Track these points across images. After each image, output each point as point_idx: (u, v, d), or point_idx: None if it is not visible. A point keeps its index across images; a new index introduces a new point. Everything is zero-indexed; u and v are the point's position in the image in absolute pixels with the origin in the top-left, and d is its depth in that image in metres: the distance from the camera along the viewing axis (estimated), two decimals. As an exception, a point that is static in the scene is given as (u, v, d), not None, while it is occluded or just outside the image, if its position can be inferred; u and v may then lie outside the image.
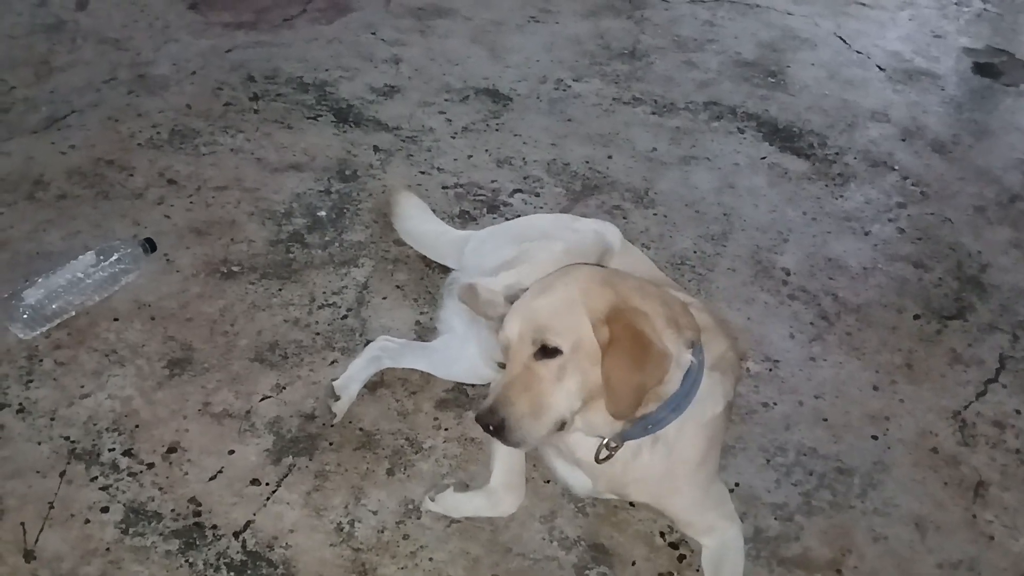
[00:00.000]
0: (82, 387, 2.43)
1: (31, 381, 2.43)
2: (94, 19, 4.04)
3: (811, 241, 3.28)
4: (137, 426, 2.35)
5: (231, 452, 2.32)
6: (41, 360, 2.49)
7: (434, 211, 3.00)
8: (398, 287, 2.84)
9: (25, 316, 2.52)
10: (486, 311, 2.21)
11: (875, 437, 2.58)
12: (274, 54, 3.93)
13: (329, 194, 3.19)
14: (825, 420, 2.60)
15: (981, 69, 4.57)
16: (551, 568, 2.16)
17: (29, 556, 2.05)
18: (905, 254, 3.28)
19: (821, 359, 2.80)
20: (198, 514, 2.17)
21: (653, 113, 3.90)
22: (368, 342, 2.58)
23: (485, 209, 3.20)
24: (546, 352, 1.84)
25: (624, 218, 3.24)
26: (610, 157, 3.58)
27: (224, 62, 3.84)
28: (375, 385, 2.51)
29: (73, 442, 2.30)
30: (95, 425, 2.34)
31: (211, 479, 2.25)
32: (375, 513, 2.22)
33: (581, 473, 2.11)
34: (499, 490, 2.22)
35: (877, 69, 4.45)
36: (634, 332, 1.82)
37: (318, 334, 2.66)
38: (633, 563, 2.19)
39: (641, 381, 1.83)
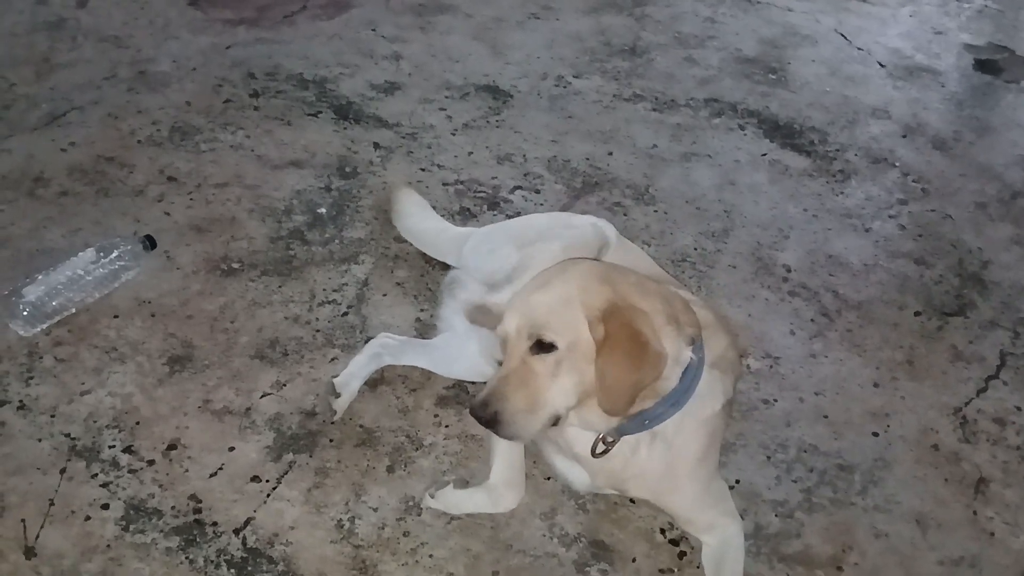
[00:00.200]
0: (83, 384, 2.43)
1: (31, 378, 2.43)
2: (94, 17, 4.04)
3: (812, 238, 3.27)
4: (138, 423, 2.36)
5: (231, 449, 2.32)
6: (41, 357, 2.49)
7: (434, 208, 3.00)
8: (398, 284, 2.84)
9: (25, 313, 2.52)
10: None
11: (876, 434, 2.58)
12: (274, 51, 3.93)
13: (329, 191, 3.19)
14: (826, 417, 2.60)
15: (982, 66, 4.56)
16: (551, 565, 2.16)
17: (30, 553, 2.05)
18: (906, 251, 3.27)
19: (822, 356, 2.80)
20: (198, 511, 2.17)
21: (654, 110, 3.89)
22: (369, 339, 2.57)
23: (485, 206, 3.20)
24: (542, 347, 1.84)
25: (625, 215, 3.24)
26: (611, 154, 3.57)
27: (224, 59, 3.83)
28: (375, 382, 2.51)
29: (74, 439, 2.30)
30: (95, 422, 2.34)
31: (211, 476, 2.25)
32: (375, 510, 2.22)
33: (580, 469, 2.11)
34: (499, 487, 2.22)
35: (878, 66, 4.44)
36: (630, 331, 1.82)
37: (318, 331, 2.66)
38: (633, 560, 2.19)
39: (635, 380, 1.83)
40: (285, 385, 2.49)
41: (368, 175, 3.28)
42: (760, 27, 4.66)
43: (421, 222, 2.92)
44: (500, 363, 1.95)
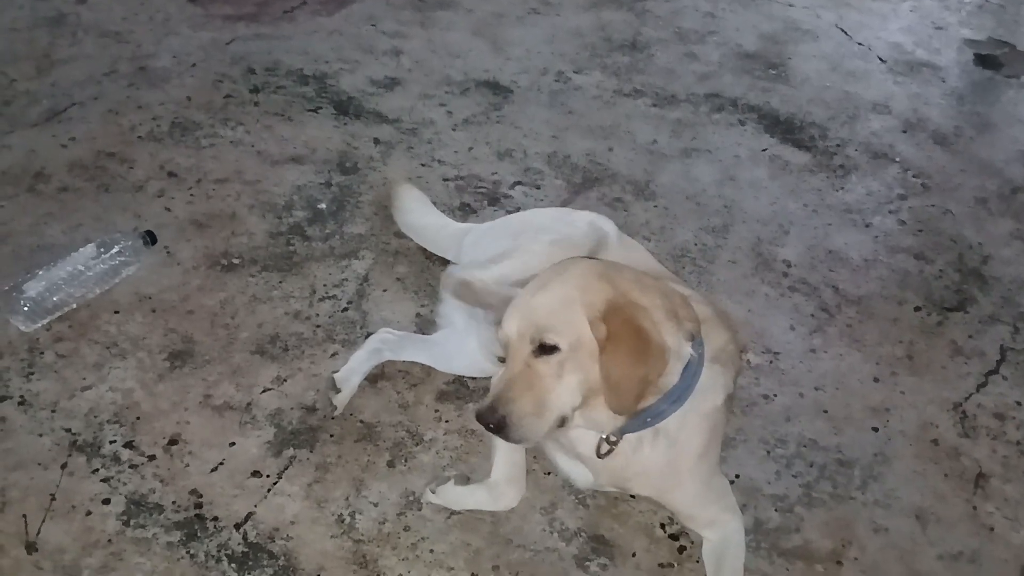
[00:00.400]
0: (83, 379, 2.44)
1: (32, 373, 2.44)
2: (95, 12, 4.03)
3: (812, 233, 3.27)
4: (138, 418, 2.36)
5: (232, 444, 2.33)
6: (42, 352, 2.49)
7: (435, 204, 3.00)
8: (399, 280, 2.84)
9: (26, 308, 2.52)
10: (484, 300, 2.21)
11: (876, 429, 2.58)
12: (275, 46, 3.92)
13: (330, 187, 3.19)
14: (826, 412, 2.60)
15: (983, 61, 4.56)
16: (552, 559, 2.16)
17: (31, 548, 2.05)
18: (906, 246, 3.27)
19: (822, 351, 2.80)
20: (199, 506, 2.18)
21: (654, 105, 3.89)
22: (369, 335, 2.58)
23: (486, 202, 3.20)
24: (545, 350, 1.84)
25: (625, 210, 3.24)
26: (611, 149, 3.57)
27: (224, 55, 3.83)
28: (376, 377, 2.51)
29: (74, 434, 2.30)
30: (96, 417, 2.35)
31: (212, 471, 2.26)
32: (376, 505, 2.22)
33: (583, 467, 2.11)
34: (500, 483, 2.22)
35: (878, 61, 4.44)
36: (632, 327, 1.82)
37: (319, 326, 2.66)
38: (633, 555, 2.19)
39: (641, 375, 1.82)
40: (285, 380, 2.50)
41: (368, 171, 3.28)
42: (760, 22, 4.66)
43: (421, 218, 2.92)
44: (500, 359, 1.95)
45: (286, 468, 2.28)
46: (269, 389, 2.47)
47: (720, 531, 2.14)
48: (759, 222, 3.29)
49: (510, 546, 2.17)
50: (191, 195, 3.07)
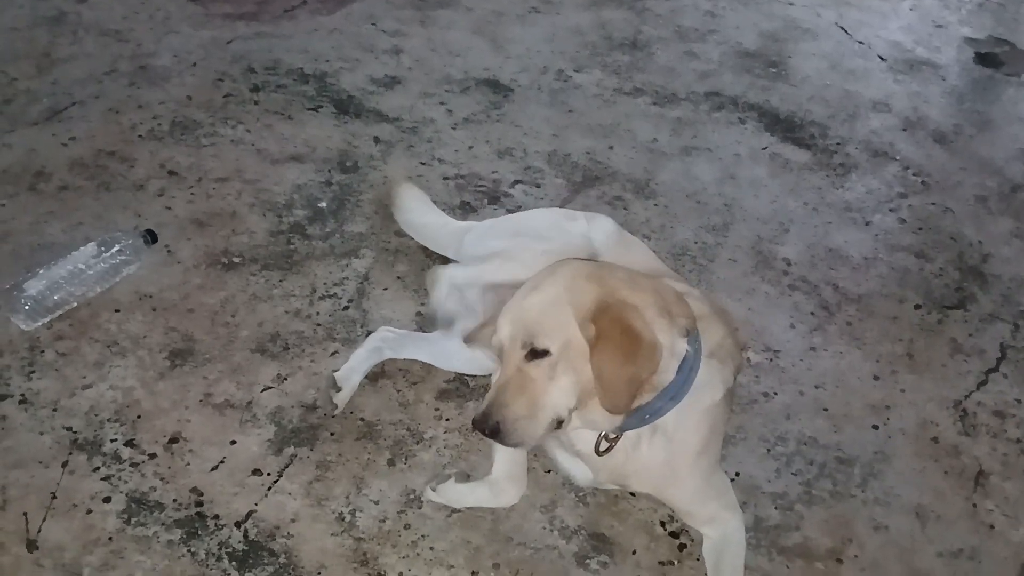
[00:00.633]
0: (84, 378, 2.44)
1: (33, 372, 2.44)
2: (95, 11, 4.03)
3: (812, 231, 3.27)
4: (139, 416, 2.36)
5: (233, 442, 2.33)
6: (43, 351, 2.49)
7: (435, 202, 3.00)
8: (399, 278, 2.84)
9: (27, 307, 2.53)
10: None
11: (876, 427, 2.59)
12: (275, 45, 3.92)
13: (330, 185, 3.19)
14: (826, 410, 2.61)
15: (983, 59, 4.56)
16: (552, 557, 2.17)
17: (32, 546, 2.06)
18: (906, 244, 3.28)
19: (822, 349, 2.80)
20: (200, 504, 2.18)
21: (654, 104, 3.89)
22: (369, 333, 2.58)
23: (486, 200, 3.20)
24: (536, 353, 1.85)
25: (625, 209, 3.24)
26: (611, 148, 3.57)
27: (225, 53, 3.83)
28: (376, 376, 2.52)
29: (75, 432, 2.30)
30: (97, 416, 2.35)
31: (213, 469, 2.26)
32: (376, 503, 2.22)
33: (583, 465, 2.12)
34: (501, 481, 2.22)
35: (879, 59, 4.44)
36: (621, 325, 1.82)
37: (319, 325, 2.66)
38: (634, 552, 2.20)
39: (633, 374, 1.83)
40: (286, 379, 2.50)
41: (368, 169, 3.28)
42: (761, 21, 4.66)
43: (421, 216, 2.92)
44: (500, 356, 1.95)
45: (287, 466, 2.28)
46: (270, 387, 2.47)
47: (720, 528, 2.15)
48: (759, 220, 3.29)
49: (510, 544, 2.18)
50: (191, 194, 3.08)
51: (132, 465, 2.25)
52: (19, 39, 3.79)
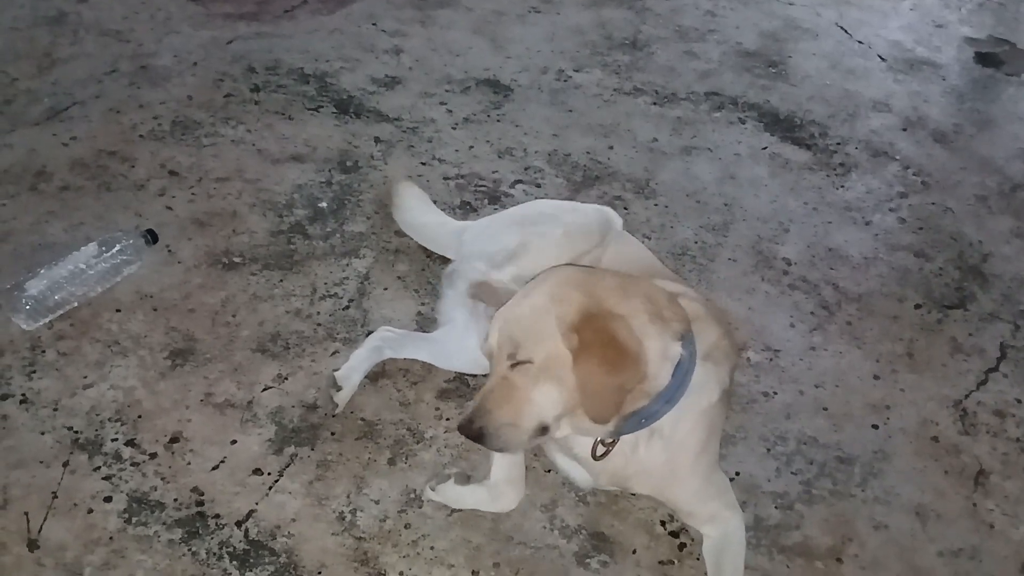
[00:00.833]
0: (85, 377, 2.44)
1: (34, 372, 2.44)
2: (96, 11, 4.04)
3: (812, 231, 3.28)
4: (140, 416, 2.36)
5: (233, 442, 2.33)
6: (44, 351, 2.50)
7: (435, 202, 3.00)
8: (399, 278, 2.84)
9: (28, 307, 2.53)
10: (503, 301, 2.22)
11: (876, 426, 2.59)
12: (275, 45, 3.93)
13: (330, 185, 3.19)
14: (826, 409, 2.61)
15: (983, 59, 4.56)
16: (552, 556, 2.17)
17: (33, 545, 2.06)
18: (906, 244, 3.28)
19: (822, 348, 2.80)
20: (201, 503, 2.18)
21: (654, 103, 3.89)
22: (369, 333, 2.58)
23: (486, 200, 3.20)
24: (521, 362, 1.85)
25: (625, 208, 3.24)
26: (611, 148, 3.58)
27: (225, 53, 3.83)
28: (376, 375, 2.52)
29: (76, 432, 2.31)
30: (98, 415, 2.35)
31: (213, 469, 2.26)
32: (377, 502, 2.23)
33: (582, 468, 2.12)
34: (500, 484, 2.22)
35: (879, 59, 4.44)
36: (605, 336, 1.82)
37: (320, 325, 2.66)
38: (634, 551, 2.20)
39: (617, 384, 1.83)
40: (286, 378, 2.50)
41: (369, 169, 3.29)
42: (761, 20, 4.66)
43: (422, 216, 2.92)
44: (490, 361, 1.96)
45: (287, 466, 2.29)
46: (270, 387, 2.48)
47: (720, 528, 2.15)
48: (759, 220, 3.29)
49: (511, 543, 2.18)
50: (192, 194, 3.08)
51: (133, 465, 2.25)
52: (20, 39, 3.80)
